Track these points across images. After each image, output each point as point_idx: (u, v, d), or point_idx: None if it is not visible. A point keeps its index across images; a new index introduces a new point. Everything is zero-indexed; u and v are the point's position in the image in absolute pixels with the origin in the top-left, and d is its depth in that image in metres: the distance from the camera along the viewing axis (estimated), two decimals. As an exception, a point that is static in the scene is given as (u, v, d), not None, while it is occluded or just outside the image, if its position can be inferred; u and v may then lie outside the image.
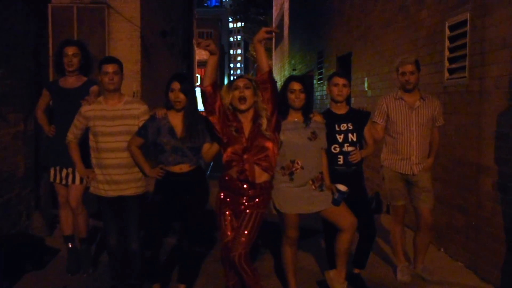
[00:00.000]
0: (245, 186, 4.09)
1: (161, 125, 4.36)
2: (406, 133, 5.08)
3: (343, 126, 4.79)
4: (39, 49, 6.85)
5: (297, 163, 4.38)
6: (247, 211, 4.10)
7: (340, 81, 4.81)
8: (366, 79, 9.61)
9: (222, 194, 4.20)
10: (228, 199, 4.16)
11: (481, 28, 5.29)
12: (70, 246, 5.39)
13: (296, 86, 4.46)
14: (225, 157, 4.14)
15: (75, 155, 4.79)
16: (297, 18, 20.33)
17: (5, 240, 5.55)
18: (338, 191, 4.43)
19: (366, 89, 9.59)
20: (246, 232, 4.04)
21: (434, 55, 6.45)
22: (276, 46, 31.35)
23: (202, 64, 39.64)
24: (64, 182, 5.20)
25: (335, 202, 4.46)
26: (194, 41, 24.87)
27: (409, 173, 5.10)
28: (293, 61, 21.34)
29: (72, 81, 5.21)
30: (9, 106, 5.92)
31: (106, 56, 5.25)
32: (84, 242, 5.33)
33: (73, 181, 5.15)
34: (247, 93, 4.04)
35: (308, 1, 17.05)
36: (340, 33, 11.99)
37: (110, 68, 4.51)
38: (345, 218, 4.48)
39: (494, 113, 5.06)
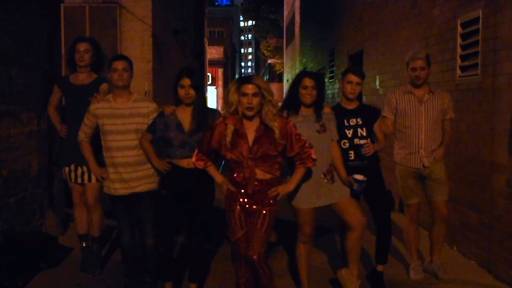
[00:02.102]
0: (249, 191, 4.04)
1: (169, 121, 4.37)
2: (414, 127, 5.05)
3: (352, 121, 4.78)
4: (52, 48, 6.91)
5: None
6: (261, 209, 4.06)
7: (354, 79, 4.76)
8: (377, 77, 9.58)
9: (228, 194, 4.16)
10: (238, 196, 4.10)
11: (494, 25, 5.26)
12: (84, 245, 5.39)
13: (309, 82, 4.42)
14: (229, 155, 4.05)
15: (88, 154, 4.79)
16: (308, 16, 20.30)
17: (19, 239, 5.60)
18: (356, 181, 4.44)
19: (378, 87, 9.56)
20: (263, 231, 4.03)
21: (446, 53, 6.42)
22: (287, 45, 31.32)
23: (213, 63, 39.69)
24: (79, 180, 5.20)
25: (355, 193, 4.50)
26: (205, 39, 24.94)
27: (419, 166, 5.07)
28: (304, 60, 21.32)
29: (82, 78, 5.21)
30: (22, 105, 5.97)
31: (117, 53, 5.26)
32: (96, 241, 5.34)
33: (89, 179, 5.14)
34: (255, 101, 3.93)
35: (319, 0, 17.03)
36: (351, 31, 11.96)
37: (119, 64, 4.53)
38: (354, 216, 4.49)
39: (507, 110, 5.03)
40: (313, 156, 4.05)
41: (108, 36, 10.80)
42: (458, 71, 6.07)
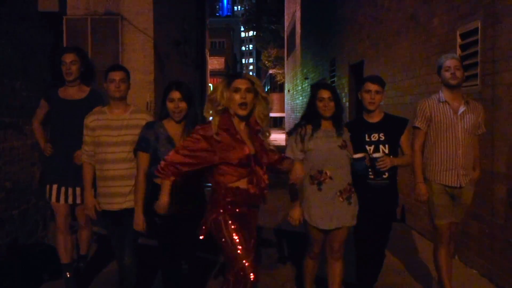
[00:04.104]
0: (257, 199, 3.61)
1: (159, 133, 4.03)
2: (452, 141, 4.55)
3: (374, 137, 4.39)
4: (54, 61, 6.96)
5: (326, 173, 4.17)
6: (253, 221, 3.70)
7: (373, 87, 4.41)
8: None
9: (222, 210, 3.53)
10: (234, 215, 3.54)
11: (492, 36, 5.31)
12: (68, 275, 4.97)
13: (324, 94, 4.22)
14: (235, 158, 3.49)
15: (88, 178, 4.44)
16: (309, 27, 20.38)
17: (22, 250, 5.63)
18: (355, 160, 4.19)
19: (359, 97, 9.57)
20: (253, 244, 3.66)
21: (446, 63, 6.45)
22: (288, 55, 31.40)
23: (215, 73, 39.80)
24: (70, 201, 4.88)
25: (360, 173, 4.24)
26: (206, 50, 25.03)
27: (456, 185, 4.56)
28: (305, 70, 21.37)
29: (73, 92, 4.93)
30: (26, 117, 6.02)
31: (113, 64, 5.04)
32: (83, 260, 5.17)
33: (83, 201, 4.70)
34: (249, 98, 3.49)
35: (319, 10, 17.10)
36: (352, 42, 12.02)
37: (117, 75, 4.31)
38: (341, 243, 4.31)
39: (506, 120, 5.07)
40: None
41: (110, 48, 10.87)
42: (458, 81, 6.09)
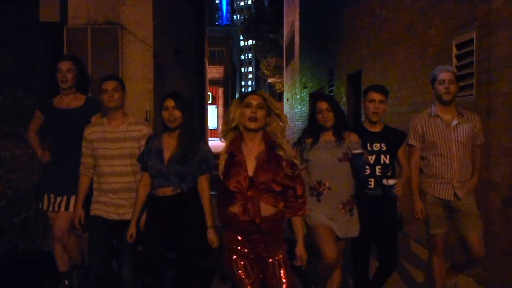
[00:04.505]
0: (251, 227, 3.45)
1: (152, 147, 4.05)
2: (446, 155, 4.49)
3: (376, 146, 4.41)
4: (55, 71, 7.04)
5: (324, 184, 4.15)
6: (269, 258, 3.50)
7: (377, 96, 4.40)
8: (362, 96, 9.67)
9: (227, 235, 3.58)
10: (235, 245, 3.52)
11: (487, 46, 5.40)
12: (66, 283, 4.89)
13: (322, 105, 4.22)
14: (227, 184, 3.48)
15: (82, 189, 4.43)
16: (308, 36, 20.50)
17: (23, 257, 5.68)
18: (354, 155, 4.08)
19: (362, 107, 9.66)
20: (289, 282, 3.48)
21: (442, 73, 6.53)
22: (287, 64, 31.52)
23: (214, 82, 39.89)
24: (56, 209, 4.74)
25: (358, 169, 4.14)
26: (205, 59, 25.14)
27: (451, 198, 4.51)
28: (304, 79, 21.47)
29: (68, 101, 4.82)
30: (26, 126, 6.05)
31: (107, 74, 4.94)
32: (81, 268, 4.98)
33: (66, 207, 4.69)
34: (260, 114, 3.44)
35: (318, 20, 17.22)
36: (350, 51, 12.11)
37: (109, 85, 4.31)
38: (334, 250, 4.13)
39: (501, 129, 5.14)
40: (306, 209, 3.71)
41: (110, 57, 10.95)
42: (454, 91, 6.17)
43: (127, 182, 4.28)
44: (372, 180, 4.38)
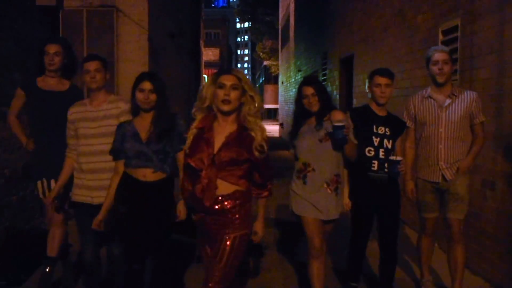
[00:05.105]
0: (206, 204, 3.37)
1: (126, 131, 3.91)
2: (433, 136, 4.53)
3: (381, 129, 4.38)
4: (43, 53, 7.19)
5: (309, 165, 4.19)
6: (223, 235, 3.39)
7: (382, 80, 4.39)
8: (367, 80, 9.84)
9: (194, 216, 3.56)
10: (199, 224, 3.51)
11: (470, 33, 5.57)
12: (47, 270, 4.64)
13: (307, 90, 4.21)
14: (190, 161, 3.42)
15: (65, 172, 4.32)
16: (303, 20, 20.56)
17: (20, 235, 5.87)
18: (335, 127, 3.99)
19: (367, 90, 9.83)
20: (221, 265, 3.33)
21: (429, 59, 6.71)
22: (282, 47, 31.56)
23: (209, 64, 39.90)
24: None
25: (338, 141, 4.05)
26: (201, 41, 25.19)
27: (438, 180, 4.54)
28: (298, 62, 21.57)
29: (53, 83, 4.71)
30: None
31: (88, 54, 4.72)
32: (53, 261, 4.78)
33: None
34: (233, 95, 3.34)
35: (312, 3, 17.30)
36: (343, 36, 12.26)
37: (91, 65, 4.19)
38: (321, 237, 4.23)
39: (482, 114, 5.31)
40: (267, 193, 3.61)
41: (105, 40, 11.03)
42: (440, 76, 6.35)
43: (107, 161, 4.08)
44: (376, 162, 4.35)
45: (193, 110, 3.51)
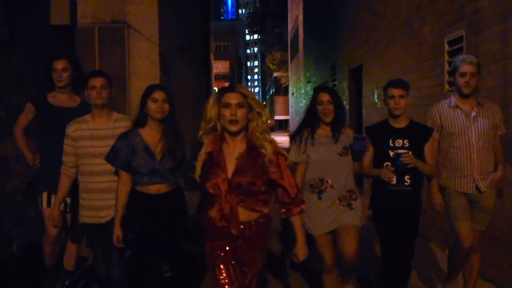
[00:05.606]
0: (228, 232, 3.20)
1: (135, 143, 3.84)
2: (465, 147, 4.42)
3: (398, 142, 4.25)
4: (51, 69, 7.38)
5: (327, 182, 4.16)
6: (247, 269, 3.25)
7: (396, 92, 4.25)
8: (376, 91, 9.97)
9: (208, 243, 3.30)
10: (218, 251, 3.24)
11: (475, 44, 5.69)
12: (67, 284, 4.92)
13: (324, 97, 4.17)
14: (206, 186, 3.21)
15: (62, 190, 4.31)
16: (311, 31, 20.72)
17: (38, 248, 5.99)
18: (355, 138, 4.13)
19: (376, 101, 9.96)
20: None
21: (435, 69, 6.83)
22: (292, 58, 31.75)
23: (219, 77, 40.09)
24: (68, 209, 4.67)
25: (357, 153, 4.16)
26: (211, 54, 25.39)
27: (472, 192, 4.45)
28: (308, 73, 21.72)
29: (64, 99, 4.75)
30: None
31: (94, 70, 4.68)
32: (69, 277, 5.05)
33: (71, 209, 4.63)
34: (240, 113, 3.14)
35: (321, 15, 17.46)
36: (351, 46, 12.38)
37: (97, 82, 4.15)
38: (349, 244, 4.18)
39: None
40: (303, 207, 3.38)
41: (117, 56, 11.22)
42: (446, 86, 6.48)
43: (114, 181, 4.02)
44: (395, 176, 4.22)
45: (200, 133, 3.30)
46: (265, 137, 3.22)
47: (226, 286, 3.16)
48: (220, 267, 3.20)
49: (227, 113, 3.14)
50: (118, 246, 3.94)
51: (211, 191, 3.17)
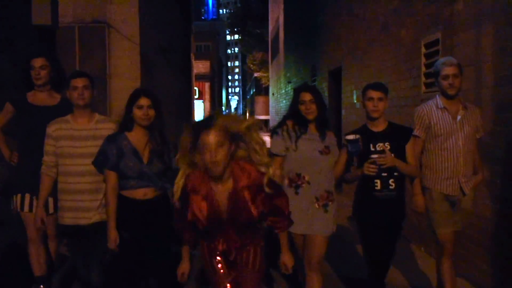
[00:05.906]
0: (230, 259, 3.27)
1: (123, 147, 3.84)
2: (453, 149, 4.35)
3: (379, 146, 4.17)
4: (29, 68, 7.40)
5: (303, 178, 4.12)
6: (246, 248, 3.29)
7: (375, 94, 4.19)
8: (354, 91, 10.12)
9: (206, 247, 3.34)
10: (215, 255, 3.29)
11: (450, 46, 5.83)
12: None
13: (306, 96, 4.15)
14: (203, 223, 3.11)
15: (44, 191, 4.21)
16: (292, 33, 20.81)
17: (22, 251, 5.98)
18: (348, 141, 4.10)
19: (355, 101, 10.10)
20: (256, 271, 3.32)
21: (412, 71, 6.98)
22: (272, 59, 31.83)
23: (200, 77, 40.06)
24: (33, 210, 4.46)
25: (351, 154, 4.17)
26: (192, 54, 25.38)
27: (457, 194, 4.40)
28: (288, 74, 21.81)
29: (43, 97, 4.66)
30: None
31: (75, 70, 4.65)
32: (44, 281, 4.80)
33: (55, 211, 4.44)
34: (221, 153, 2.89)
35: (301, 17, 17.56)
36: (331, 48, 12.52)
37: (79, 82, 4.09)
38: (318, 252, 4.16)
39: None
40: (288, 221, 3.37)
41: (97, 55, 11.18)
42: (423, 87, 6.62)
43: (93, 182, 4.06)
44: (378, 181, 4.17)
45: (176, 157, 3.18)
46: (259, 158, 3.13)
47: (222, 275, 3.25)
48: (214, 265, 3.27)
49: (206, 156, 2.90)
50: (113, 250, 3.87)
51: (210, 227, 3.13)
